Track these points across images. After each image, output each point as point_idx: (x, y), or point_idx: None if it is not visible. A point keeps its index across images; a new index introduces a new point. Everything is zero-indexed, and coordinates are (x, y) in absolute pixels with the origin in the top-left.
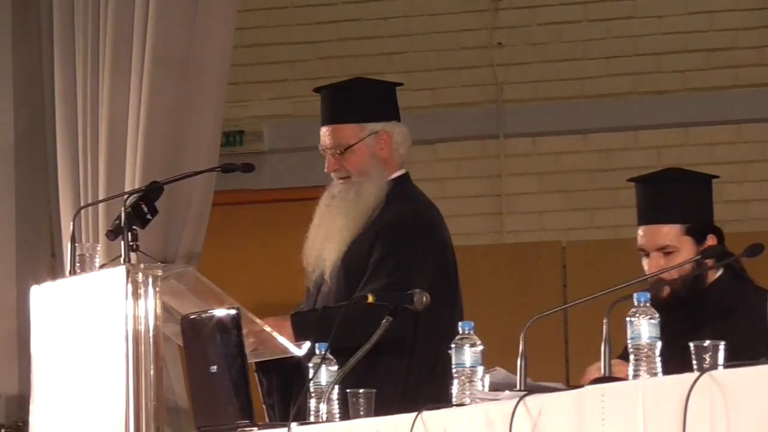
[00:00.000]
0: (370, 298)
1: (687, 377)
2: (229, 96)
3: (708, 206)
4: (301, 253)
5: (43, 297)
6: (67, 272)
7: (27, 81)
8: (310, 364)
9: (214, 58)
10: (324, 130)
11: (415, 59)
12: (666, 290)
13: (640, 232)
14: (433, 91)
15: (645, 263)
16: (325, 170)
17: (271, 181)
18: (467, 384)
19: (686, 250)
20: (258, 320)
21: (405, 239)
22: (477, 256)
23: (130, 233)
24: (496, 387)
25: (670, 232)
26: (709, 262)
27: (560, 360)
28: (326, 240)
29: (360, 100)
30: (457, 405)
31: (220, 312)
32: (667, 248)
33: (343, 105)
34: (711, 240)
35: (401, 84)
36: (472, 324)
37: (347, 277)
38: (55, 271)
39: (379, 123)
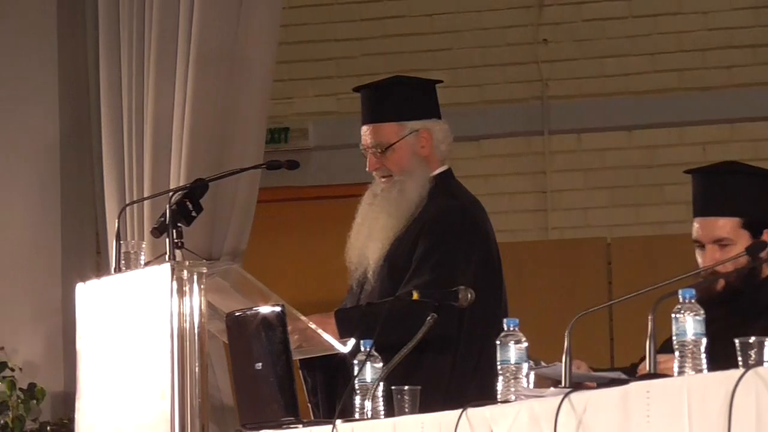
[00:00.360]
0: (415, 295)
1: (732, 374)
2: (274, 93)
3: (765, 201)
4: (346, 250)
5: (89, 294)
6: (112, 270)
7: (72, 79)
8: (355, 361)
9: (259, 55)
10: (364, 129)
11: (461, 56)
12: (720, 283)
13: (696, 224)
14: (479, 88)
15: (699, 256)
16: (367, 169)
17: (315, 178)
18: (512, 381)
19: (742, 244)
20: (303, 317)
21: (449, 235)
22: (522, 252)
23: (175, 230)
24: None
25: (726, 225)
26: (765, 254)
27: (605, 357)
28: (369, 238)
29: (400, 98)
30: (502, 402)
31: (265, 309)
32: (724, 241)
33: (383, 104)
34: (766, 235)
35: (441, 81)
36: (517, 321)
37: (391, 274)
38: (100, 269)
39: (419, 121)
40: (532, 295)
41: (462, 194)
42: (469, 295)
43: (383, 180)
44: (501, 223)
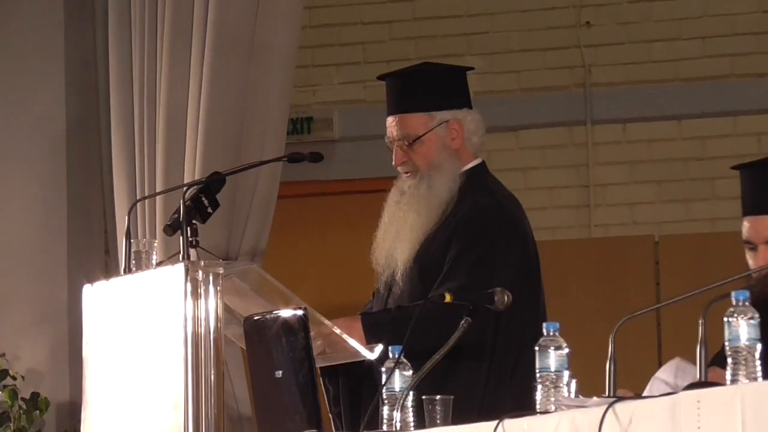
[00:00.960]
0: (448, 297)
1: None
2: (296, 80)
3: None
4: (372, 251)
5: (96, 297)
6: (122, 270)
7: (80, 66)
8: (383, 369)
9: (280, 39)
10: (390, 121)
11: (498, 40)
12: None
13: (746, 223)
14: (517, 74)
15: (750, 257)
16: (393, 164)
17: (341, 172)
18: (552, 390)
19: None
20: (327, 321)
21: (484, 233)
22: (563, 251)
23: (189, 228)
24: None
25: None
26: None
27: (652, 364)
28: (397, 239)
29: (428, 87)
30: (541, 412)
31: (287, 312)
32: None
33: (410, 93)
34: None
35: (472, 68)
36: (558, 325)
37: (421, 276)
38: (109, 269)
39: (449, 111)
40: (574, 297)
41: (497, 189)
42: (506, 298)
43: (408, 175)
44: (540, 219)
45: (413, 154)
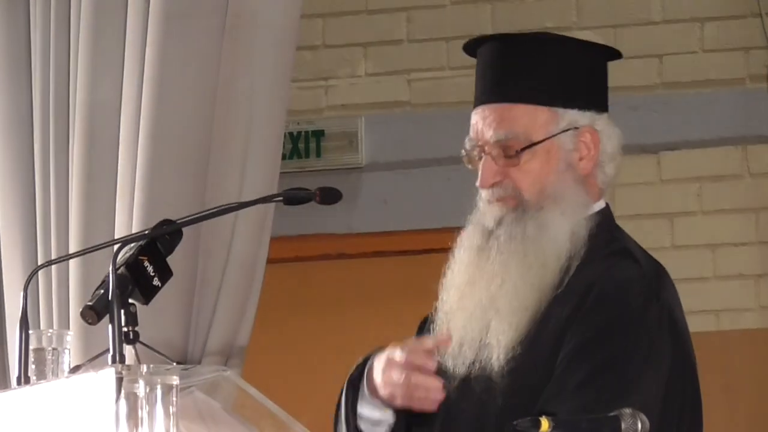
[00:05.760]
0: (545, 425)
1: None
2: (299, 69)
3: None
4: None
5: None
6: (15, 380)
7: None
8: None
9: (273, 4)
10: (482, 114)
11: (628, 5)
12: None
13: None
14: (658, 61)
15: None
16: (478, 184)
17: (370, 221)
18: None
19: None
20: None
21: (621, 324)
22: (733, 348)
23: (123, 312)
24: None
25: None
26: None
27: None
28: (491, 310)
29: (558, 68)
30: None
31: None
32: None
33: (527, 72)
34: None
35: (619, 55)
36: None
37: (517, 383)
38: None
39: (583, 111)
40: (751, 421)
41: (641, 255)
42: (640, 425)
43: (499, 204)
44: (698, 298)
45: (516, 170)
